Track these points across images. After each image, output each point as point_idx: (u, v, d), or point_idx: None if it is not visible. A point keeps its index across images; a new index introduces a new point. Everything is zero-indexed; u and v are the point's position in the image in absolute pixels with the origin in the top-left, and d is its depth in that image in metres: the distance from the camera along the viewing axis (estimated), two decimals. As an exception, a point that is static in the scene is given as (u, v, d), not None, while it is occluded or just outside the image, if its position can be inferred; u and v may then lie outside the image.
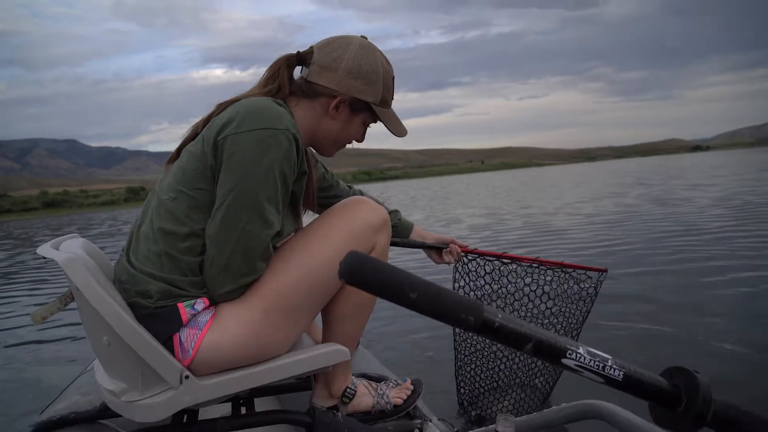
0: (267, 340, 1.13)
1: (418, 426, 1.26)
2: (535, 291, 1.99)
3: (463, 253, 1.86)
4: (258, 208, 1.07)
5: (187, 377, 1.06)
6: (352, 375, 1.41)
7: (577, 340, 1.34)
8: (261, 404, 1.31)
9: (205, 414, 1.27)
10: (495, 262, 1.93)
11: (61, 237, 1.26)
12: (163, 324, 1.08)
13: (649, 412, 0.66)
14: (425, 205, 17.98)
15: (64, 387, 1.65)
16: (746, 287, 3.91)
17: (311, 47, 1.25)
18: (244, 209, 1.06)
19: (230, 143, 1.06)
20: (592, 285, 2.00)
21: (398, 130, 1.30)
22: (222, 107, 1.17)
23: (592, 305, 2.04)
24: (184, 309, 1.09)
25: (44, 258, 1.09)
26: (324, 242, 1.18)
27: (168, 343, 1.08)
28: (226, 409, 1.36)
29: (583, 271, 1.99)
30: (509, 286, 1.96)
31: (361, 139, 1.33)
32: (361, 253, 0.52)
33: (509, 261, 1.94)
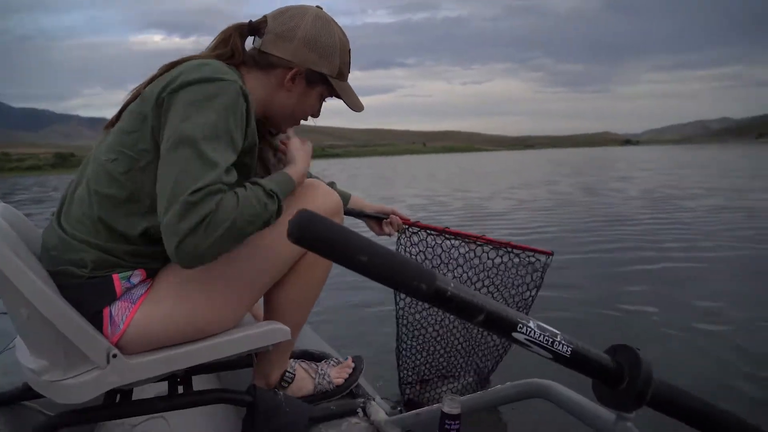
0: (204, 318, 1.08)
1: (361, 405, 1.25)
2: (480, 271, 1.95)
3: (405, 226, 1.81)
4: (197, 149, 0.94)
5: (114, 356, 0.99)
6: (294, 352, 1.39)
7: None
8: (199, 382, 1.26)
9: (140, 393, 1.21)
10: (438, 237, 1.88)
11: None
12: (94, 295, 1.01)
13: (593, 390, 0.68)
14: (367, 185, 18.03)
15: None
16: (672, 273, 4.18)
17: (264, 16, 1.19)
18: (182, 154, 0.94)
19: (174, 98, 0.98)
20: (539, 268, 1.99)
21: (355, 104, 1.26)
22: (166, 68, 1.08)
23: (538, 288, 2.04)
24: (118, 280, 1.03)
25: None
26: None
27: (97, 317, 1.01)
28: (162, 387, 1.32)
29: (531, 253, 1.98)
30: (452, 262, 1.93)
31: (317, 114, 1.28)
32: (312, 212, 0.48)
33: (453, 237, 1.90)
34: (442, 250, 1.92)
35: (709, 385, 2.32)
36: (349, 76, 1.26)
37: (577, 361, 0.60)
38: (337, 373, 1.39)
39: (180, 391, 1.20)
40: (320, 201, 1.19)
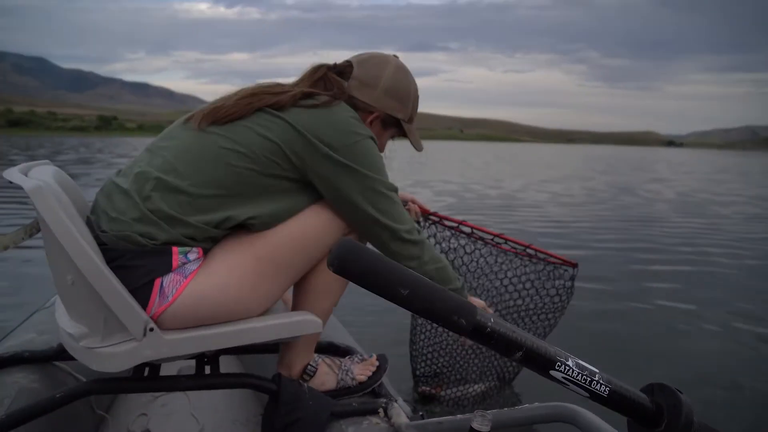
0: (248, 295, 1.11)
1: (383, 405, 1.25)
2: (498, 276, 1.85)
3: (423, 215, 1.76)
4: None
5: (151, 329, 1.01)
6: (319, 344, 1.39)
7: (545, 339, 1.34)
8: (224, 363, 1.28)
9: (167, 369, 1.24)
10: (460, 234, 1.82)
11: (32, 162, 1.17)
12: (152, 265, 1.04)
13: (628, 427, 0.66)
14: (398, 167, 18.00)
15: (20, 322, 1.60)
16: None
17: (348, 61, 1.31)
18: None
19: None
20: (566, 281, 1.86)
21: (418, 144, 1.41)
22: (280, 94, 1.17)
23: (566, 305, 1.89)
24: (177, 254, 1.06)
25: (11, 182, 1.01)
26: (319, 213, 1.20)
27: (147, 287, 1.03)
28: (189, 364, 1.34)
29: (553, 265, 1.86)
30: (467, 258, 1.85)
31: (382, 151, 1.37)
32: (354, 242, 0.48)
33: (470, 231, 1.83)
34: (459, 245, 1.85)
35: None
36: None
37: (614, 401, 0.59)
38: (360, 371, 1.38)
39: (207, 371, 1.22)
40: None
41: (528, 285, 1.88)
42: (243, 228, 1.13)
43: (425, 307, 0.50)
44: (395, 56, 1.34)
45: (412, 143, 1.39)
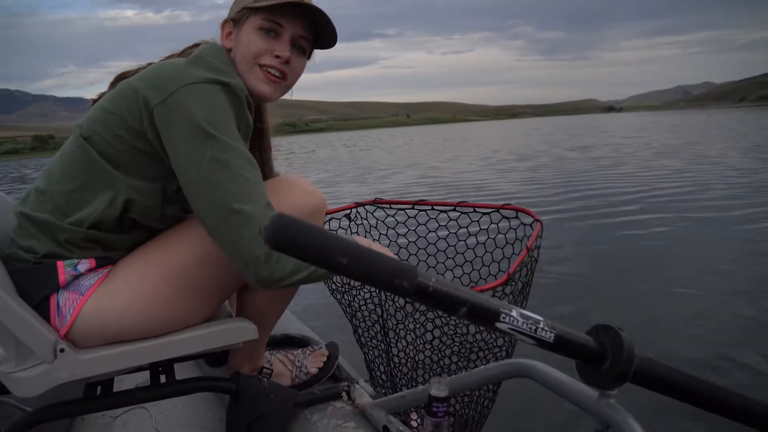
0: (160, 315, 1.03)
1: (345, 389, 1.25)
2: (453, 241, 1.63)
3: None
4: None
5: (62, 350, 0.95)
6: (275, 337, 1.38)
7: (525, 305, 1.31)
8: (182, 369, 1.25)
9: (121, 383, 1.19)
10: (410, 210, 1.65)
11: None
12: (38, 282, 0.97)
13: (577, 370, 0.68)
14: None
15: None
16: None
17: None
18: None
19: None
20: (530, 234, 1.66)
21: None
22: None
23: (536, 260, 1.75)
24: (63, 268, 0.98)
25: None
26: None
27: (43, 306, 0.97)
28: (144, 377, 1.29)
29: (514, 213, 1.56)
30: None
31: (265, 51, 1.10)
32: (287, 216, 0.47)
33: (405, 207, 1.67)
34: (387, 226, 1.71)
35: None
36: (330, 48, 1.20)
37: (560, 346, 0.61)
38: (312, 363, 1.38)
39: (162, 381, 1.18)
40: (301, 198, 1.16)
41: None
42: (138, 227, 1.04)
43: (366, 273, 0.50)
44: None
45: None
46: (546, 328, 0.59)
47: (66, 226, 0.99)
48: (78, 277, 1.00)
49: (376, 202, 1.70)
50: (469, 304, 0.54)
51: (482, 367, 0.98)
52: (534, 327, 0.58)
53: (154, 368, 1.18)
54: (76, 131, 1.03)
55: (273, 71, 1.10)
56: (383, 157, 17.87)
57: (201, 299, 1.07)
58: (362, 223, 1.69)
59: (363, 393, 1.20)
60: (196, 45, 1.13)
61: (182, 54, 1.10)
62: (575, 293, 3.32)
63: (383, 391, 1.30)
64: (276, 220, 0.46)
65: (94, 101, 1.08)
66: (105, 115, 1.00)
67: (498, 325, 0.57)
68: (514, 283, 1.19)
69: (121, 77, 1.09)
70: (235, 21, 1.12)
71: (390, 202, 1.71)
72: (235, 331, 1.12)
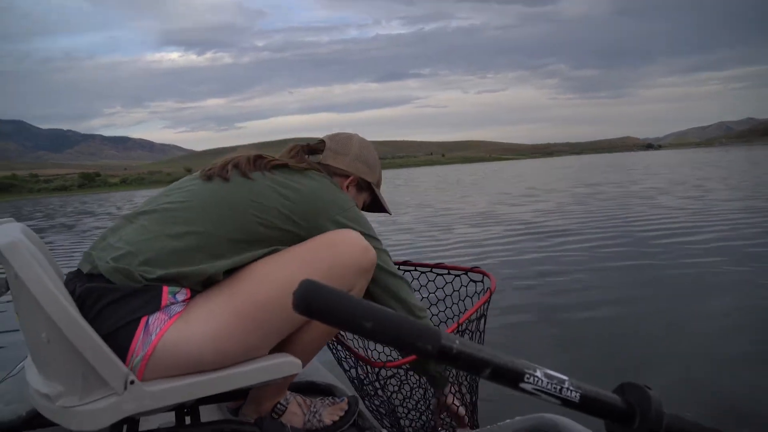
0: (230, 347, 1.08)
1: None
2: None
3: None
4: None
5: (132, 382, 0.98)
6: (299, 384, 1.37)
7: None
8: (205, 412, 1.25)
9: (145, 423, 1.20)
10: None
11: None
12: (140, 303, 1.03)
13: (606, 429, 0.67)
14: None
15: None
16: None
17: (321, 139, 1.47)
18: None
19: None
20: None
21: (388, 207, 1.55)
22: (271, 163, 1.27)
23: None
24: (167, 294, 1.06)
25: None
26: (304, 268, 1.16)
27: (133, 325, 1.02)
28: (169, 419, 1.30)
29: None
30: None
31: None
32: (315, 282, 0.49)
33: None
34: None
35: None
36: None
37: (586, 405, 0.60)
38: (329, 414, 1.39)
39: (188, 422, 1.19)
40: (355, 254, 1.21)
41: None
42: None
43: (391, 336, 0.51)
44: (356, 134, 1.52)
45: (383, 205, 1.52)
46: (571, 388, 0.59)
47: (197, 266, 1.09)
48: (173, 303, 1.07)
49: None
50: (494, 366, 0.55)
51: (509, 420, 0.96)
52: (559, 387, 0.58)
53: (180, 409, 1.19)
54: (244, 191, 1.20)
55: None
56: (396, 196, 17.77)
57: (265, 337, 1.13)
58: None
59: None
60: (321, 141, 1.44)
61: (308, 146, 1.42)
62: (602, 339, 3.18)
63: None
64: (305, 286, 0.48)
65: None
66: (279, 198, 1.20)
67: (522, 385, 0.56)
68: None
69: (293, 148, 1.40)
70: (358, 186, 1.46)
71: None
72: (282, 366, 1.14)
